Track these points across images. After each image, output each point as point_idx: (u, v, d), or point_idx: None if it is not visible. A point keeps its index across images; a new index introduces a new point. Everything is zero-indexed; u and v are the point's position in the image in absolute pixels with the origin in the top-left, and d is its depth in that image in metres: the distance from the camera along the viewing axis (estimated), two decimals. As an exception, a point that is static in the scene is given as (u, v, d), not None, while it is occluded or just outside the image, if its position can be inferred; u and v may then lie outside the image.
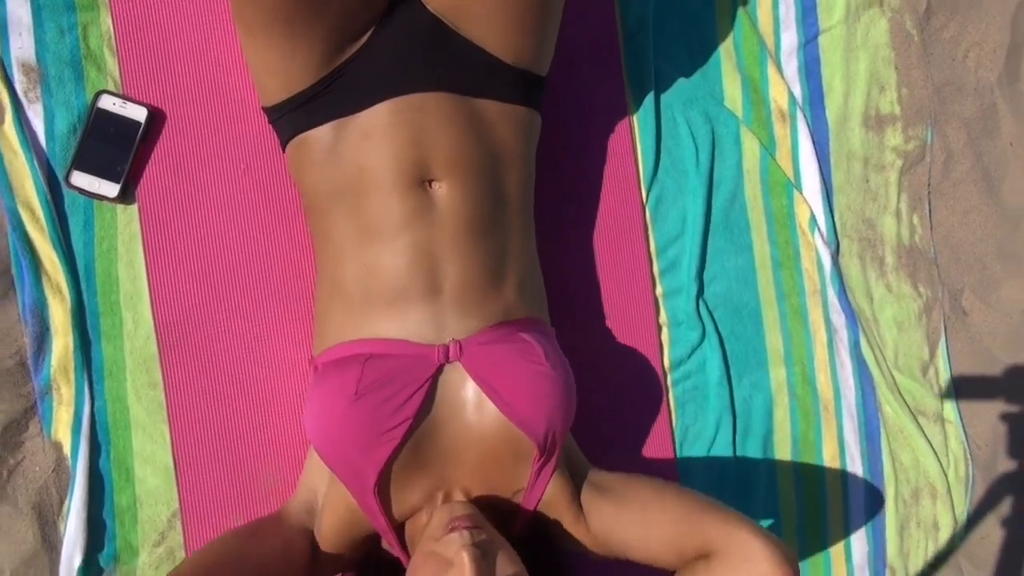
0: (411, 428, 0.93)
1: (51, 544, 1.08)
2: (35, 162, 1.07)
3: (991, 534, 1.40)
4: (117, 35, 1.10)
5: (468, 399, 0.95)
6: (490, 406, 0.95)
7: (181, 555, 1.11)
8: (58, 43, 1.09)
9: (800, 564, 1.29)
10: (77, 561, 1.07)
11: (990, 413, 1.41)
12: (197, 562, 0.88)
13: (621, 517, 0.97)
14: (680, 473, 1.26)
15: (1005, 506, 1.41)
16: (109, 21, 1.10)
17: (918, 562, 1.36)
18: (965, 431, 1.38)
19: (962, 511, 1.38)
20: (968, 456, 1.38)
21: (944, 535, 1.37)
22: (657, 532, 0.95)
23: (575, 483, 1.00)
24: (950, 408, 1.38)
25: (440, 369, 0.95)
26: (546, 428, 0.95)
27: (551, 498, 0.98)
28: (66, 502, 1.08)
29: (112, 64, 1.10)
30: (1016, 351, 1.42)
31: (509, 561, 0.85)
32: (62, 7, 1.09)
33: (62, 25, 1.09)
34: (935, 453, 1.36)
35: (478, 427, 0.95)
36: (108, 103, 1.08)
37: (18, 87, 1.08)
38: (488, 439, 0.95)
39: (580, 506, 0.99)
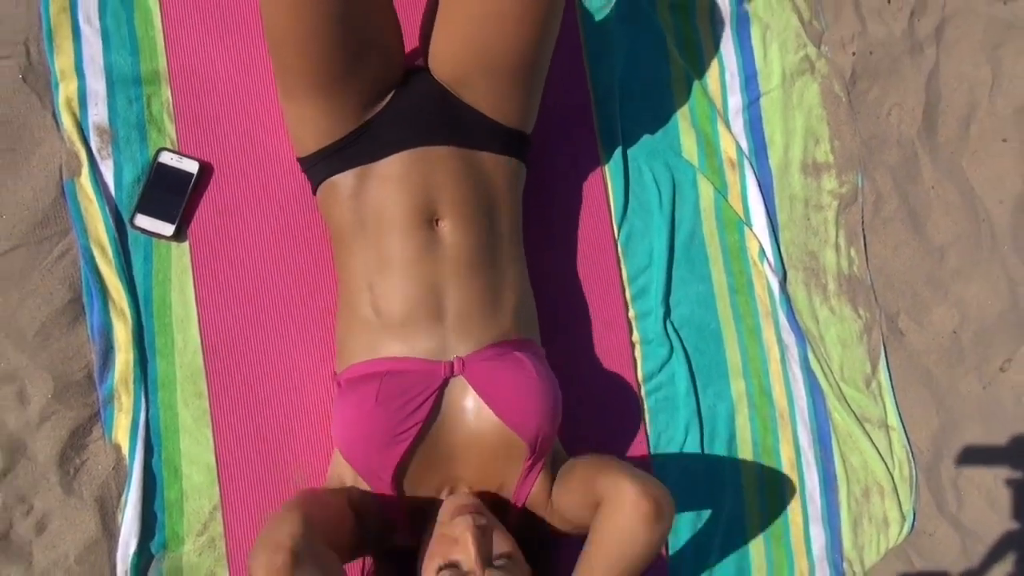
0: (421, 431, 1.10)
1: (110, 533, 1.24)
2: (106, 207, 1.28)
3: (937, 530, 1.56)
4: (175, 103, 1.33)
5: (470, 407, 1.13)
6: (489, 412, 1.12)
7: (221, 544, 1.27)
8: (127, 110, 1.31)
9: (767, 557, 1.46)
10: (132, 547, 1.23)
11: (929, 421, 1.59)
12: (311, 511, 0.99)
13: (563, 494, 1.13)
14: (655, 474, 1.43)
15: (947, 505, 1.57)
16: (168, 92, 1.33)
17: (872, 554, 1.52)
18: (907, 436, 1.56)
19: (908, 508, 1.54)
20: (911, 458, 1.55)
21: (894, 530, 1.53)
22: (576, 497, 1.10)
23: (555, 477, 1.17)
24: (893, 415, 1.56)
25: (446, 382, 1.13)
26: (536, 431, 1.12)
27: (537, 493, 1.16)
28: (123, 496, 1.25)
29: (170, 127, 1.32)
30: (948, 367, 1.61)
31: (504, 540, 1.03)
32: (130, 81, 1.31)
33: (130, 96, 1.31)
34: (881, 456, 1.53)
35: (478, 430, 1.12)
36: (167, 158, 1.30)
37: (93, 146, 1.29)
38: (487, 440, 1.12)
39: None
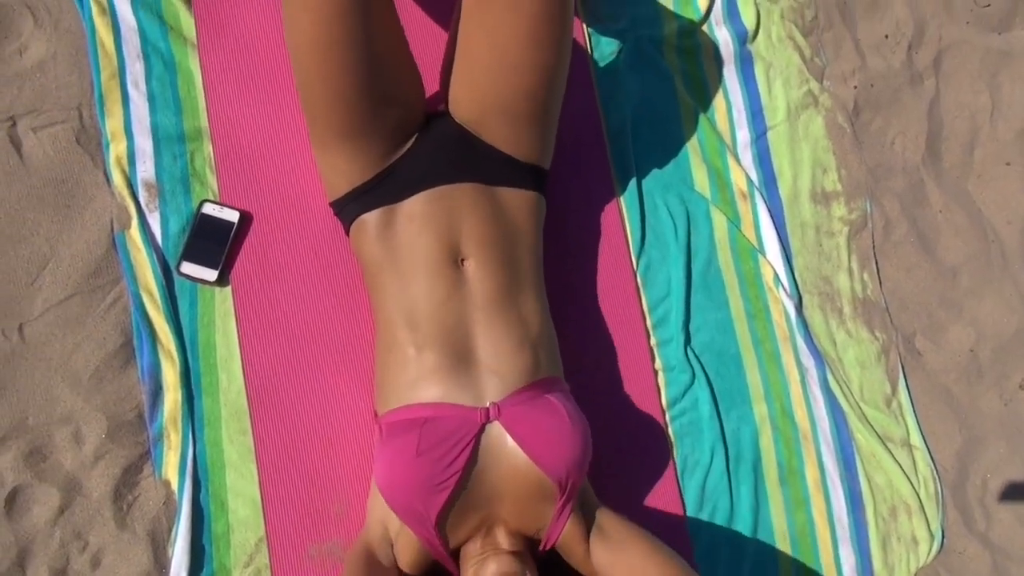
0: (461, 478, 1.15)
1: (161, 565, 1.29)
2: (153, 256, 1.36)
3: (968, 548, 1.57)
4: (216, 158, 1.42)
5: (506, 451, 1.17)
6: (523, 456, 1.16)
7: (267, 574, 1.31)
8: (172, 166, 1.40)
9: (797, 578, 1.48)
10: (182, 580, 1.29)
11: (952, 439, 1.61)
12: None
13: (615, 568, 1.16)
14: (682, 498, 1.47)
15: (975, 523, 1.59)
16: (210, 148, 1.42)
17: (903, 574, 1.53)
18: (931, 454, 1.59)
19: (936, 527, 1.56)
20: (936, 476, 1.58)
21: (923, 548, 1.54)
22: None
23: (587, 525, 1.21)
24: (915, 434, 1.58)
25: (483, 428, 1.18)
26: (565, 473, 1.16)
27: (567, 536, 1.19)
28: (173, 530, 1.30)
29: (212, 179, 1.41)
30: (968, 385, 1.64)
31: None
32: (175, 139, 1.41)
33: (175, 152, 1.41)
34: (905, 474, 1.55)
35: (513, 472, 1.17)
36: (209, 209, 1.39)
37: (141, 200, 1.38)
38: (521, 482, 1.17)
39: (588, 546, 1.19)
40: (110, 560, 1.28)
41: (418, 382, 1.19)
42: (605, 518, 1.22)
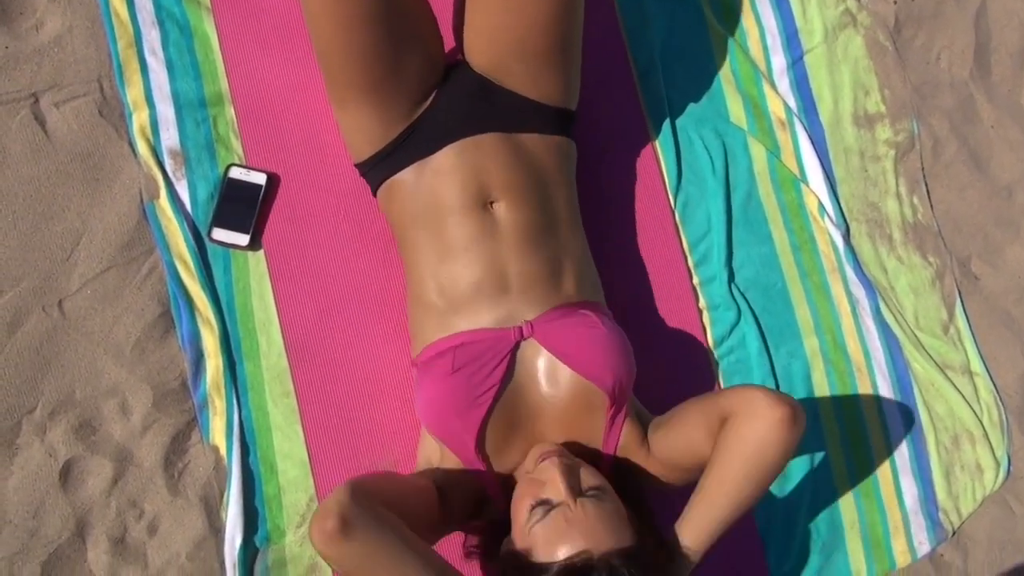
0: (498, 393, 1.13)
1: (216, 529, 1.30)
2: (184, 225, 1.35)
3: (1035, 474, 1.52)
4: (239, 121, 1.40)
5: (544, 366, 1.16)
6: (564, 369, 1.15)
7: (320, 533, 1.32)
8: (195, 132, 1.39)
9: (858, 513, 1.44)
10: (238, 542, 1.28)
11: (1015, 363, 1.55)
12: (373, 482, 1.03)
13: (670, 434, 1.15)
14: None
15: (1043, 447, 1.53)
16: (232, 112, 1.40)
17: (968, 503, 1.48)
18: (993, 380, 1.53)
19: (1002, 454, 1.50)
20: (999, 402, 1.52)
21: (989, 476, 1.49)
22: (691, 425, 1.12)
23: (643, 428, 1.19)
24: (975, 360, 1.53)
25: (517, 345, 1.16)
26: (613, 379, 1.14)
27: (627, 442, 1.17)
28: (225, 494, 1.31)
29: (236, 143, 1.40)
30: (1029, 306, 1.58)
31: (592, 475, 1.06)
32: (196, 105, 1.39)
33: (197, 118, 1.39)
34: (967, 402, 1.50)
35: (555, 387, 1.15)
36: (236, 173, 1.37)
37: (168, 169, 1.37)
38: (565, 396, 1.15)
39: (648, 445, 1.18)
40: (166, 526, 1.29)
41: (449, 319, 1.19)
42: (657, 417, 1.20)
